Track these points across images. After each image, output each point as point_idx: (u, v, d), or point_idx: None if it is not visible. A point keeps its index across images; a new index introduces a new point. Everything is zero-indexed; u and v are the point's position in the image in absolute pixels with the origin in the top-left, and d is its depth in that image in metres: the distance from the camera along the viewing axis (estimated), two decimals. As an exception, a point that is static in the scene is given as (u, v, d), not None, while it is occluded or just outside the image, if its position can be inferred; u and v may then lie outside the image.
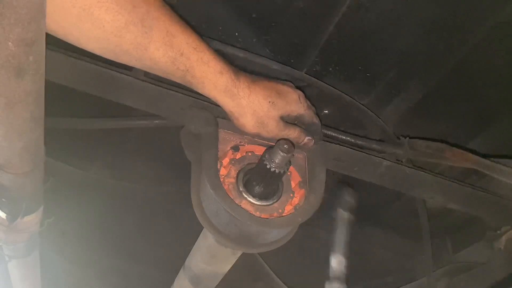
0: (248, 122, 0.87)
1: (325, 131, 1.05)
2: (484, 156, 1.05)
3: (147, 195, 1.53)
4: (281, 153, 0.80)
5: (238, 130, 0.92)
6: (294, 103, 0.92)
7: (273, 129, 0.89)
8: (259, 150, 0.91)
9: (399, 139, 1.13)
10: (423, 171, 1.06)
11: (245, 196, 0.85)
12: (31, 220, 0.92)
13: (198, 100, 0.92)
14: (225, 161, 0.88)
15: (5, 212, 0.85)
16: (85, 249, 1.68)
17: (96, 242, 1.66)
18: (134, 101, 0.93)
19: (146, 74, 0.90)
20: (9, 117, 0.63)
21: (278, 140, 0.85)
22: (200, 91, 0.85)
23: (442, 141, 1.09)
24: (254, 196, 0.86)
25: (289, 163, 0.83)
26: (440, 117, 1.21)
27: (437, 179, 1.07)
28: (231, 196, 0.83)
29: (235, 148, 0.90)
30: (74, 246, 1.66)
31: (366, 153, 1.02)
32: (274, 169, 0.81)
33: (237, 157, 0.90)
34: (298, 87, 1.12)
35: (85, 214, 1.53)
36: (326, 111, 1.18)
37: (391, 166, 1.04)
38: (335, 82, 1.10)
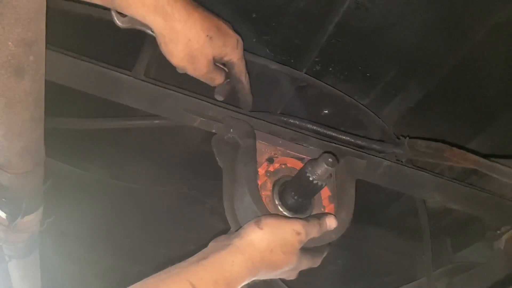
0: (178, 51, 0.78)
1: (326, 131, 1.05)
2: (484, 156, 1.05)
3: (147, 195, 1.53)
4: (325, 166, 0.80)
5: (272, 141, 0.92)
6: (231, 46, 0.84)
7: (202, 67, 0.82)
8: (291, 162, 0.92)
9: (399, 139, 1.13)
10: (423, 171, 1.06)
11: (281, 209, 0.87)
12: (31, 220, 0.92)
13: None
14: (261, 172, 0.89)
15: (5, 212, 0.85)
16: (85, 249, 1.68)
17: (96, 242, 1.66)
18: (134, 101, 0.93)
19: (146, 74, 0.90)
20: (9, 117, 0.64)
21: (323, 153, 0.84)
22: (129, 13, 0.75)
23: (442, 141, 1.09)
24: (288, 210, 0.87)
25: (330, 176, 0.83)
26: (440, 117, 1.21)
27: (437, 179, 1.07)
28: (267, 209, 0.84)
29: (270, 160, 0.91)
30: (74, 246, 1.66)
31: (366, 153, 1.02)
32: (316, 181, 0.81)
33: (272, 169, 0.91)
34: (299, 87, 1.13)
35: (85, 214, 1.53)
36: (326, 111, 1.18)
37: (391, 166, 1.04)
38: (335, 82, 1.10)
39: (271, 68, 1.04)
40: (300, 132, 0.97)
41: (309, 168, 0.82)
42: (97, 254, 1.69)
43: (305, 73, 1.09)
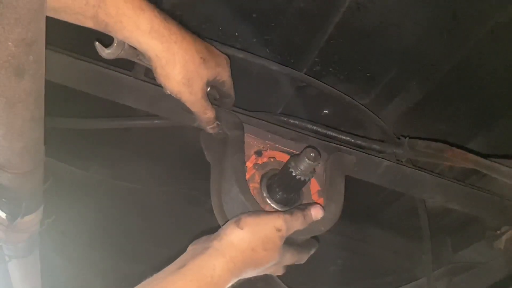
0: (175, 74, 0.76)
1: (325, 131, 1.05)
2: (484, 156, 1.05)
3: (147, 195, 1.53)
4: (308, 161, 0.80)
5: (261, 135, 0.91)
6: (222, 66, 0.85)
7: (198, 91, 0.80)
8: (280, 156, 0.92)
9: (399, 139, 1.13)
10: (423, 171, 1.06)
11: (269, 202, 0.86)
12: (31, 220, 0.92)
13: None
14: (249, 165, 0.88)
15: (5, 212, 0.85)
16: (85, 249, 1.68)
17: (96, 242, 1.66)
18: (134, 101, 0.93)
19: (146, 74, 0.90)
20: (9, 117, 0.63)
21: (305, 147, 0.84)
22: (122, 37, 0.73)
23: (442, 141, 1.09)
24: (276, 202, 0.86)
25: (313, 171, 0.83)
26: (440, 117, 1.21)
27: (437, 179, 1.07)
28: (255, 200, 0.83)
29: (258, 153, 0.91)
30: (74, 246, 1.66)
31: (366, 153, 1.02)
32: (299, 176, 0.81)
33: (260, 162, 0.90)
34: (299, 87, 1.13)
35: (85, 214, 1.53)
36: (326, 111, 1.18)
37: (391, 166, 1.04)
38: (335, 82, 1.10)
39: (271, 68, 1.04)
40: (300, 132, 0.97)
41: (292, 164, 0.82)
42: (97, 254, 1.69)
43: (305, 73, 1.09)
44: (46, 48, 0.60)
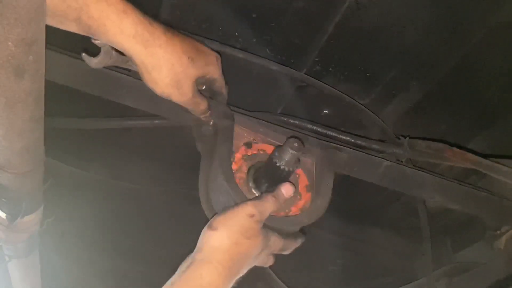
0: (162, 78, 0.76)
1: (325, 131, 1.05)
2: (484, 156, 1.05)
3: (147, 195, 1.53)
4: (291, 151, 0.81)
5: (253, 127, 0.91)
6: (212, 64, 0.84)
7: (188, 91, 0.80)
8: (270, 149, 0.91)
9: (399, 139, 1.13)
10: (423, 171, 1.06)
11: (254, 192, 0.86)
12: (31, 220, 0.92)
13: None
14: (237, 156, 0.89)
15: (5, 212, 0.85)
16: (85, 249, 1.68)
17: (96, 242, 1.66)
18: (134, 101, 0.93)
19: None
20: (9, 117, 0.63)
21: (288, 138, 0.84)
22: (106, 40, 0.72)
23: (442, 141, 1.09)
24: (262, 193, 0.86)
25: (298, 162, 0.84)
26: (440, 117, 1.21)
27: (437, 179, 1.07)
28: (240, 189, 0.83)
29: (248, 145, 0.91)
30: (74, 246, 1.66)
31: (366, 153, 1.02)
32: (283, 167, 0.82)
33: (249, 154, 0.90)
34: (299, 87, 1.13)
35: (85, 214, 1.53)
36: (326, 111, 1.18)
37: (391, 166, 1.04)
38: (335, 82, 1.10)
39: (271, 68, 1.04)
40: (300, 132, 0.97)
41: (276, 154, 0.82)
42: (97, 254, 1.69)
43: (305, 73, 1.09)
44: (46, 48, 0.60)
